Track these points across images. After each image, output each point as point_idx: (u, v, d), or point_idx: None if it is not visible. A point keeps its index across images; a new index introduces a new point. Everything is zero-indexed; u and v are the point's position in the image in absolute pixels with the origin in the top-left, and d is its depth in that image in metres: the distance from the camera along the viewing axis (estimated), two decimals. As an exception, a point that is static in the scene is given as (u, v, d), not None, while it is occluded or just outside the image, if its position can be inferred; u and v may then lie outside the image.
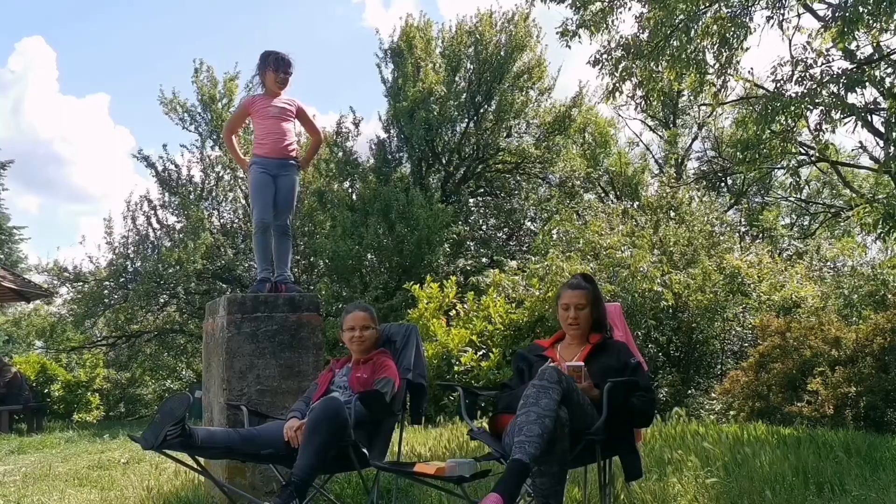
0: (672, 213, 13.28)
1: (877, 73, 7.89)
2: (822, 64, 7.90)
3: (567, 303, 3.73)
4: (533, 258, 12.92)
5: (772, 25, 8.45)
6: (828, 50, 7.94)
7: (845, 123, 7.99)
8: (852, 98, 7.67)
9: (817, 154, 12.64)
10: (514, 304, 11.11)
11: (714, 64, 8.66)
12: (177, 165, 18.36)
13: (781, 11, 8.44)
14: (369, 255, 16.39)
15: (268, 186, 5.16)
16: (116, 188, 62.53)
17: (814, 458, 4.95)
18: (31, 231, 48.77)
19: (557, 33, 8.94)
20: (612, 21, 8.82)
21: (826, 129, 7.78)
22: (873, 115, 8.82)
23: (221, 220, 18.74)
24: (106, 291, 17.41)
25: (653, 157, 24.87)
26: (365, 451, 3.64)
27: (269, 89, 5.26)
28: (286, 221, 5.31)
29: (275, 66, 5.21)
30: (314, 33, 60.04)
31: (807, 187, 23.51)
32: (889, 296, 10.37)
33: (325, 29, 60.43)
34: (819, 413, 7.65)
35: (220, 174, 18.57)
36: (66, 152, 63.75)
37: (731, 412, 8.82)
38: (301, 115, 5.41)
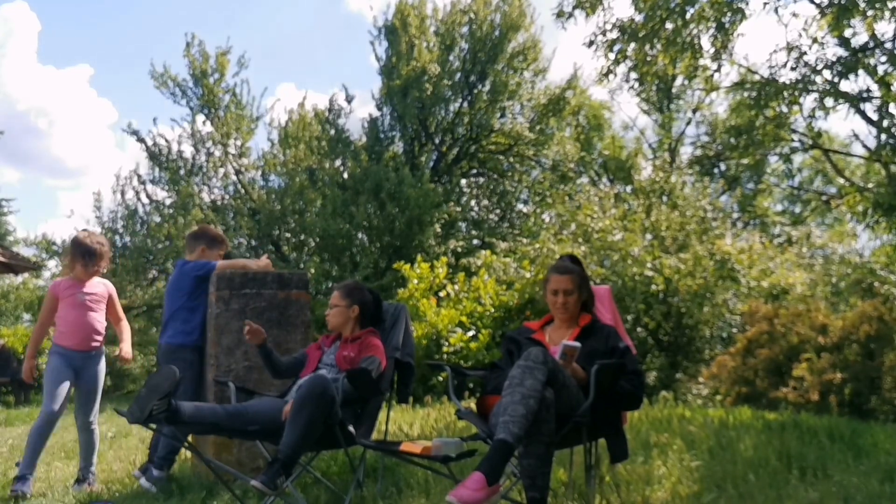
0: (664, 198, 13.28)
1: (871, 61, 7.88)
2: (817, 51, 7.90)
3: (556, 288, 3.73)
4: (524, 240, 12.92)
5: (767, 12, 8.43)
6: (823, 37, 7.92)
7: (838, 111, 8.01)
8: (846, 85, 7.69)
9: (810, 141, 12.64)
10: (504, 286, 11.10)
11: (709, 49, 8.63)
12: (167, 140, 18.25)
13: (778, -3, 8.41)
14: (360, 235, 16.37)
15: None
16: (97, 162, 60.97)
17: (797, 443, 4.98)
18: (17, 204, 48.20)
19: (553, 14, 8.91)
20: (608, 2, 8.78)
21: (819, 115, 7.79)
22: (866, 104, 8.81)
23: (212, 196, 18.63)
24: (94, 266, 17.32)
25: (646, 141, 24.86)
26: (351, 429, 3.64)
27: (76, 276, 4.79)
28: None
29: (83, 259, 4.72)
30: (301, 10, 59.25)
31: (799, 174, 23.59)
32: (876, 284, 10.42)
33: (306, 6, 59.51)
34: (804, 399, 7.71)
35: (211, 150, 18.45)
36: (44, 125, 62.35)
37: (718, 397, 8.87)
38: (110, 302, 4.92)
